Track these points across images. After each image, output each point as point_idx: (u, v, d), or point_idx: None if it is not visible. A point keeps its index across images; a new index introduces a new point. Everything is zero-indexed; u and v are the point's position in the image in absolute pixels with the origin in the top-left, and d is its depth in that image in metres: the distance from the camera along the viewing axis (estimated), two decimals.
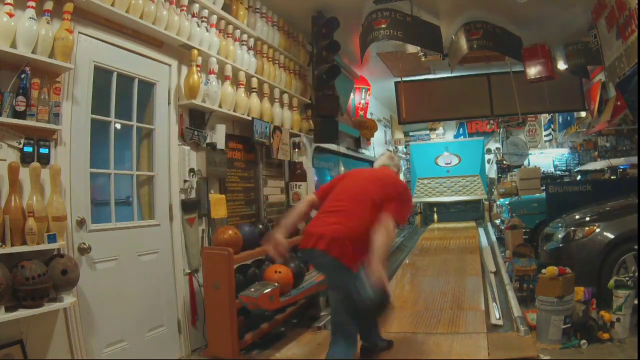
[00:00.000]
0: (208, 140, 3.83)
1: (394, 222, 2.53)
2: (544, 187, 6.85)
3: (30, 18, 2.39)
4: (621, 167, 6.73)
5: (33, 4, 2.43)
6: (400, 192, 2.72)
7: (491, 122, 12.88)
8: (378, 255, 2.35)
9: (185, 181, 3.59)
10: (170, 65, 3.55)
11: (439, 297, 4.77)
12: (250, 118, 4.23)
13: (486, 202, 11.10)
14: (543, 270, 3.48)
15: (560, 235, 4.33)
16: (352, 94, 7.45)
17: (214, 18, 3.85)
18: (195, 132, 3.70)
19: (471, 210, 11.79)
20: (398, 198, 2.66)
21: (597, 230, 4.02)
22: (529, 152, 11.61)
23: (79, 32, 2.77)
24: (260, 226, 3.81)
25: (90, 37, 2.87)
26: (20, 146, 2.41)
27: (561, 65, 6.77)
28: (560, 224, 4.53)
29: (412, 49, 6.28)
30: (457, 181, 11.65)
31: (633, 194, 4.45)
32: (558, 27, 5.81)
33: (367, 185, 2.70)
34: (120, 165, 3.27)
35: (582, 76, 7.11)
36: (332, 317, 2.77)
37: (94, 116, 2.91)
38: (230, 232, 3.41)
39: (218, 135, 3.90)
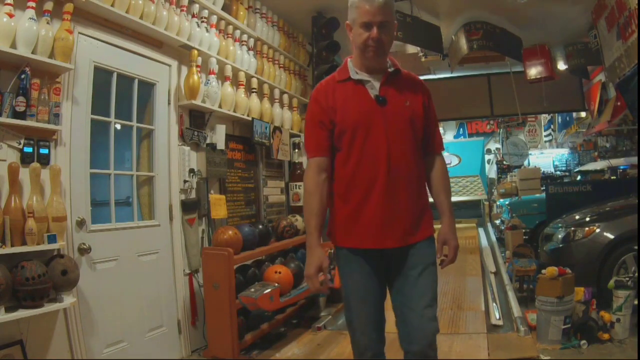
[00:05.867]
0: (208, 141, 3.83)
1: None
2: (544, 188, 6.85)
3: (30, 18, 2.39)
4: (621, 167, 6.73)
5: (33, 4, 2.42)
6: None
7: (491, 122, 12.87)
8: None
9: (185, 181, 3.59)
10: (170, 66, 3.55)
11: (438, 297, 4.74)
12: (250, 118, 4.23)
13: (486, 203, 11.10)
14: (543, 271, 3.48)
15: (560, 236, 4.33)
16: None
17: (214, 18, 3.85)
18: (195, 133, 3.70)
19: (471, 210, 11.78)
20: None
21: (597, 230, 4.02)
22: (529, 152, 11.62)
23: (79, 33, 2.77)
24: (260, 226, 3.81)
25: (90, 37, 2.87)
26: (20, 146, 2.41)
27: (561, 66, 6.77)
28: (560, 225, 4.53)
29: (412, 49, 6.28)
30: (457, 181, 11.65)
31: (633, 194, 4.45)
32: (558, 28, 5.81)
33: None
34: (120, 166, 3.28)
35: (582, 76, 7.12)
36: (417, 297, 1.86)
37: (94, 116, 2.91)
38: (230, 232, 3.41)
39: (218, 136, 3.90)
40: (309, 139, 1.96)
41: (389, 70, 1.91)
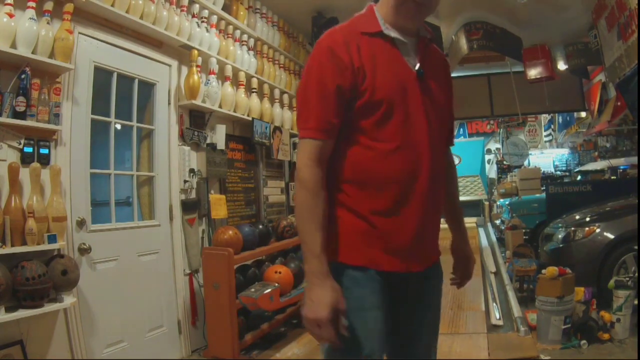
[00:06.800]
0: (208, 141, 3.83)
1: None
2: (544, 188, 6.85)
3: (30, 19, 2.39)
4: (621, 167, 6.73)
5: (33, 4, 2.42)
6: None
7: (491, 122, 12.87)
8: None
9: (185, 181, 3.59)
10: (170, 66, 3.55)
11: None
12: (250, 118, 4.23)
13: (486, 203, 11.10)
14: (543, 271, 3.48)
15: (560, 236, 4.33)
16: None
17: (214, 18, 3.85)
18: (196, 133, 3.70)
19: (471, 209, 11.78)
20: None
21: (597, 230, 4.02)
22: (529, 152, 11.62)
23: (79, 33, 2.77)
24: (261, 226, 3.81)
25: (91, 37, 2.87)
26: (21, 146, 2.41)
27: (561, 66, 6.77)
28: (560, 225, 4.53)
29: None
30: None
31: (633, 194, 4.45)
32: (558, 28, 5.80)
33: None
34: (120, 166, 3.28)
35: (582, 76, 7.12)
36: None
37: (94, 116, 2.91)
38: (230, 232, 3.41)
39: (218, 136, 3.90)
40: (311, 109, 1.27)
41: (427, 37, 1.38)
